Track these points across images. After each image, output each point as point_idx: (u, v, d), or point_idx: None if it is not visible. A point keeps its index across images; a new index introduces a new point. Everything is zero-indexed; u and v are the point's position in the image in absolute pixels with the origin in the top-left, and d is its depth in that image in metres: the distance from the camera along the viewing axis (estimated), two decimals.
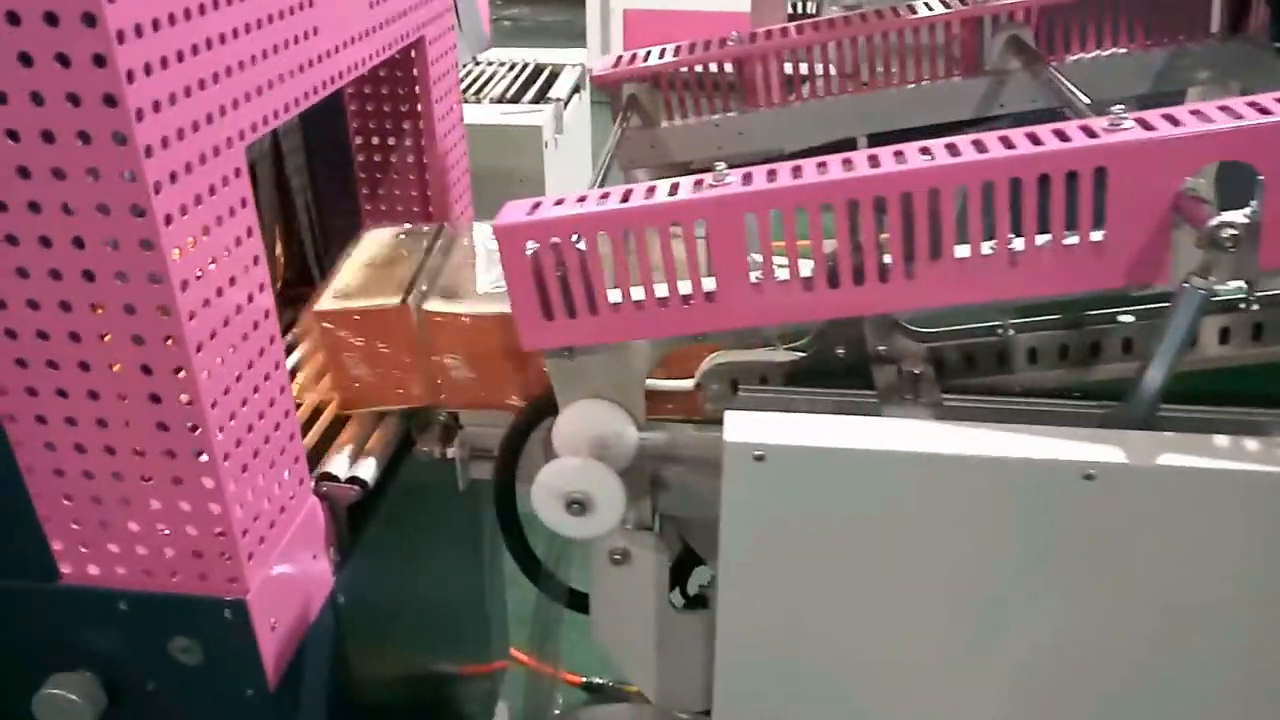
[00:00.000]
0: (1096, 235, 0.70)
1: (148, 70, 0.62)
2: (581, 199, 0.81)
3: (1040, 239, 0.72)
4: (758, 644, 0.82)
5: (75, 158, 0.62)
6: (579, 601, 0.99)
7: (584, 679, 1.69)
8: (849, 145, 1.32)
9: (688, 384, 0.93)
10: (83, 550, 0.78)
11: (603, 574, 0.93)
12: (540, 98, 2.15)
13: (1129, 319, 0.86)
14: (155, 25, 0.62)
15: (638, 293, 0.78)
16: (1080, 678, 0.76)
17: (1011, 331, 0.87)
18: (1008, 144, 0.72)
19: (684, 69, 1.28)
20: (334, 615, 0.94)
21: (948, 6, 1.23)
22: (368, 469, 0.96)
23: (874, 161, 0.75)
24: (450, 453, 1.01)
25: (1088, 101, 0.99)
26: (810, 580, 0.78)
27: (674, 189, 0.79)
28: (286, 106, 0.80)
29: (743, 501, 0.76)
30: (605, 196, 0.80)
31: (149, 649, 0.81)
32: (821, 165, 0.77)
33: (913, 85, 1.26)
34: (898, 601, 0.77)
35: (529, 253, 0.77)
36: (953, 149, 0.73)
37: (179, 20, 0.65)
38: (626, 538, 0.90)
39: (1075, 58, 1.25)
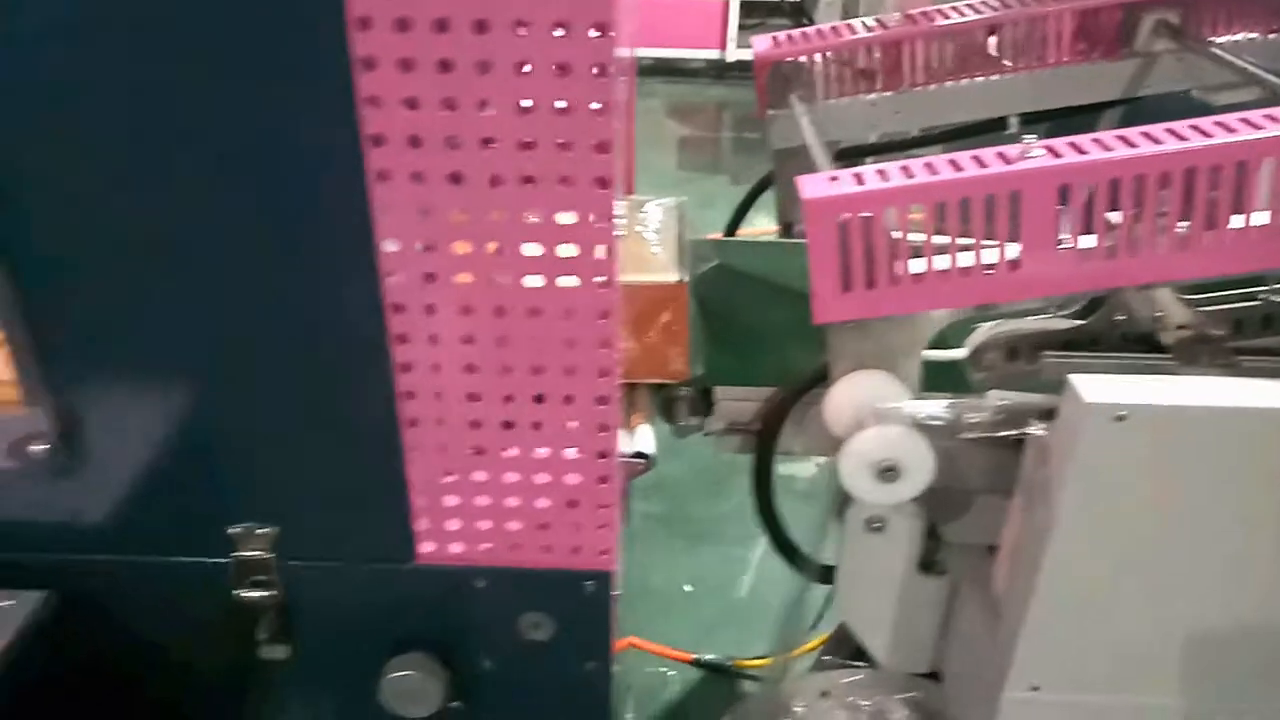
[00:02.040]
0: None
1: None
2: (881, 173, 0.84)
3: None
4: (1077, 597, 0.85)
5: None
6: (829, 576, 1.01)
7: (694, 656, 1.71)
8: (1000, 124, 1.39)
9: (961, 353, 0.97)
10: (449, 529, 0.77)
11: (857, 542, 0.95)
12: None
13: None
14: None
15: (941, 262, 0.81)
16: None
17: (1276, 298, 0.93)
18: None
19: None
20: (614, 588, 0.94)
21: None
22: (647, 442, 0.96)
23: (1179, 136, 0.80)
24: (709, 426, 1.02)
25: None
26: (1148, 533, 0.82)
27: (979, 162, 0.82)
28: None
29: (1097, 461, 0.79)
30: (907, 170, 0.83)
31: (497, 626, 0.81)
32: (1124, 139, 0.81)
33: (1060, 67, 1.32)
34: (1233, 550, 0.82)
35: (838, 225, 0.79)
36: (1250, 124, 0.79)
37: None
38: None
39: (1209, 40, 1.32)
